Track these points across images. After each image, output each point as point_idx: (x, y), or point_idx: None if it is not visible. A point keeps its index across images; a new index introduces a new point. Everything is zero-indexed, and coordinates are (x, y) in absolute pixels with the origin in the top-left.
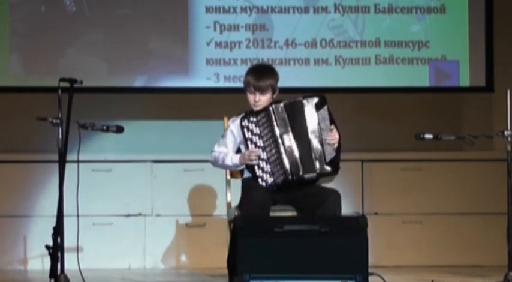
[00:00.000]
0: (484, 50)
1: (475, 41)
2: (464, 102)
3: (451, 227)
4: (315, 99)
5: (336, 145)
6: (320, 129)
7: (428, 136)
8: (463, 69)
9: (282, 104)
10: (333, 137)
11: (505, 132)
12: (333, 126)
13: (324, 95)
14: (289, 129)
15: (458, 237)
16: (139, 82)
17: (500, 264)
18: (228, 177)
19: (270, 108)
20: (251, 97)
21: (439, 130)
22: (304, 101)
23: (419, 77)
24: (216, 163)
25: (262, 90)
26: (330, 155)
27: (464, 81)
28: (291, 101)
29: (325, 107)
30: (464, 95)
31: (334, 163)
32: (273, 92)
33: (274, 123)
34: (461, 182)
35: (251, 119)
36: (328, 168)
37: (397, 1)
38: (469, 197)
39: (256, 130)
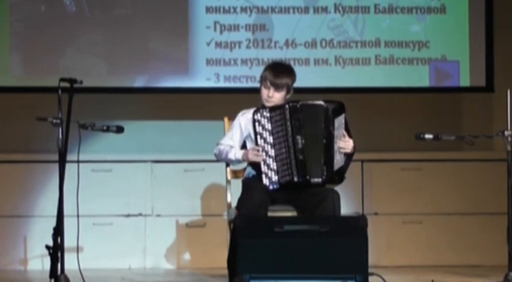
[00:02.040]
0: (484, 50)
1: (475, 41)
2: (464, 102)
3: (451, 227)
4: (334, 106)
5: (348, 151)
6: (334, 136)
7: (428, 136)
8: (463, 69)
9: (299, 104)
10: (348, 144)
11: (505, 132)
12: (346, 136)
13: (343, 103)
14: (303, 130)
15: (458, 237)
16: (139, 82)
17: (500, 264)
18: (229, 177)
19: (286, 106)
20: (265, 92)
21: (439, 130)
22: (324, 105)
23: (419, 77)
24: (219, 156)
25: (277, 87)
26: (338, 164)
27: (464, 81)
28: (310, 103)
29: (343, 115)
30: (464, 95)
31: (340, 173)
32: (288, 92)
33: (288, 122)
34: (461, 182)
35: (265, 113)
36: (334, 177)
37: (397, 1)
38: (469, 197)
39: (268, 126)
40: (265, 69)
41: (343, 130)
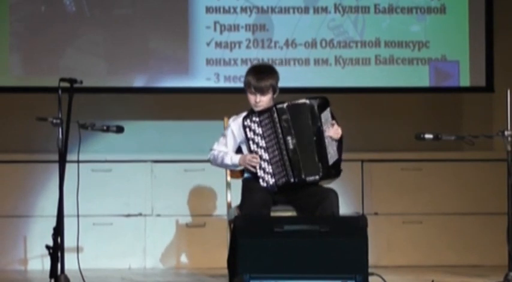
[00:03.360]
0: (484, 50)
1: (475, 41)
2: (464, 102)
3: (451, 227)
4: (318, 101)
5: (337, 137)
6: (323, 132)
7: (428, 136)
8: (463, 69)
9: (285, 105)
10: (336, 131)
11: (505, 132)
12: (334, 122)
13: (326, 97)
14: (292, 130)
15: (458, 237)
16: (139, 82)
17: (500, 264)
18: (229, 178)
19: (274, 109)
20: (252, 98)
21: (439, 130)
22: (308, 103)
23: (419, 77)
24: (214, 162)
25: (262, 91)
26: (332, 158)
27: (464, 81)
28: (294, 103)
29: (328, 109)
30: (464, 95)
31: (336, 166)
32: (274, 92)
33: (278, 125)
34: (461, 182)
35: (254, 118)
36: (331, 171)
37: (397, 1)
38: (469, 197)
39: (259, 130)
40: (247, 74)
41: (331, 124)
